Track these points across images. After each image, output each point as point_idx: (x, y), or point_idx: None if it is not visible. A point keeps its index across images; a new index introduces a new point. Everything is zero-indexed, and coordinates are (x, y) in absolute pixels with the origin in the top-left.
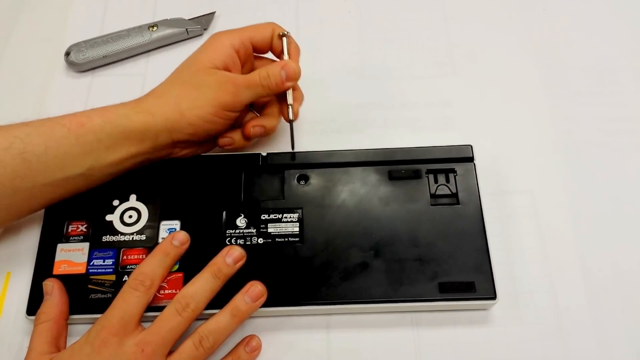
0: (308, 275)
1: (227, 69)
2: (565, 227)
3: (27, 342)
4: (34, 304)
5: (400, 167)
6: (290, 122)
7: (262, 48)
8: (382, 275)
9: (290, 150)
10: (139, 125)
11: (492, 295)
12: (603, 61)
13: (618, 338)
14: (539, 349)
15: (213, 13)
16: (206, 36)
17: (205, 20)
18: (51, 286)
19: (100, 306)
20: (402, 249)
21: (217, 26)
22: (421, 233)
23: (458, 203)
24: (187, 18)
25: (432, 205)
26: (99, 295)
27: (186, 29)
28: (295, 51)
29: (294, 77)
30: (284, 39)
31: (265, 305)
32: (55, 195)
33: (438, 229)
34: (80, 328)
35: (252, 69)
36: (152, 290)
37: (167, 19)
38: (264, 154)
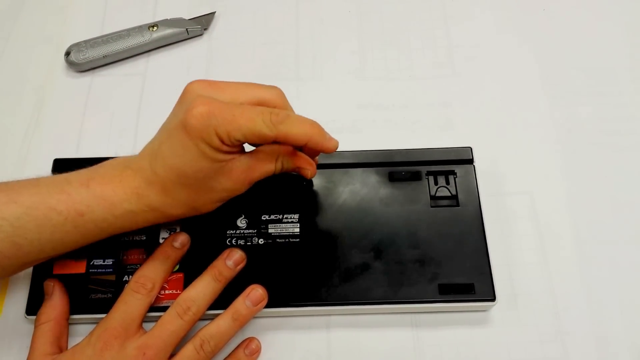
0: (308, 276)
1: (235, 152)
2: (565, 228)
3: (27, 342)
4: (34, 304)
5: (400, 168)
6: None
7: None
8: (382, 277)
9: None
10: (144, 220)
11: (492, 297)
12: (603, 61)
13: (617, 339)
14: (538, 350)
15: (213, 13)
16: (206, 36)
17: (205, 20)
18: (52, 286)
19: (101, 306)
20: (402, 250)
21: (217, 26)
22: (421, 234)
23: (458, 205)
24: (187, 18)
25: (432, 207)
26: (99, 295)
27: (186, 29)
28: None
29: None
30: None
31: (265, 305)
32: (48, 259)
33: (438, 231)
34: (80, 328)
35: None
36: (154, 292)
37: (167, 19)
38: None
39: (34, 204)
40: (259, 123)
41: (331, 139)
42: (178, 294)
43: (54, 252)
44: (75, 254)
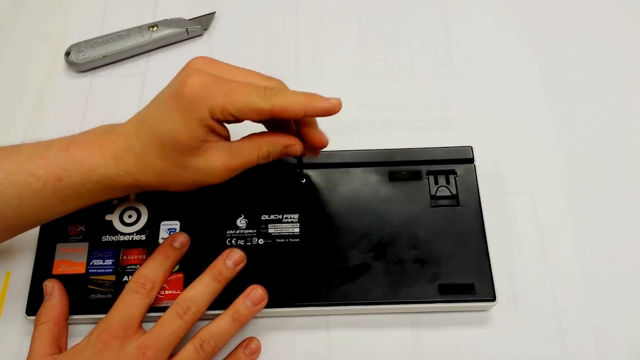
0: (308, 276)
1: (219, 136)
2: (565, 228)
3: (27, 342)
4: (34, 304)
5: (400, 168)
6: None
7: None
8: (382, 277)
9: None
10: (121, 186)
11: (492, 297)
12: (603, 61)
13: (617, 339)
14: (538, 350)
15: (213, 13)
16: (206, 36)
17: (205, 21)
18: (51, 287)
19: (100, 306)
20: (402, 250)
21: (217, 26)
22: (421, 234)
23: (458, 205)
24: (187, 18)
25: (432, 206)
26: (99, 296)
27: (186, 29)
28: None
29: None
30: None
31: (265, 305)
32: (34, 226)
33: (438, 231)
34: (80, 328)
35: None
36: (153, 293)
37: (167, 19)
38: None
39: (14, 170)
40: (254, 96)
41: (329, 99)
42: (178, 294)
43: (37, 218)
44: (75, 255)
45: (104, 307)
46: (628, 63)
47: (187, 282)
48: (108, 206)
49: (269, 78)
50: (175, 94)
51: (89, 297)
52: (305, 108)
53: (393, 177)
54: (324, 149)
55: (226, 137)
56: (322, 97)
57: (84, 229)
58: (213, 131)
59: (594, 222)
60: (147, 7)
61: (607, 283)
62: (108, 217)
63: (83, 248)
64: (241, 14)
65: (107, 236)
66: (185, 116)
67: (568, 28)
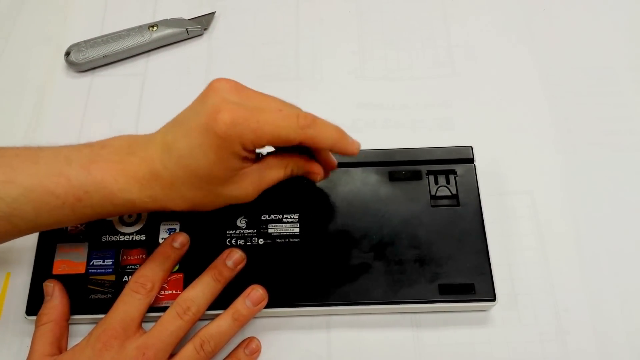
0: (308, 276)
1: (249, 161)
2: (565, 227)
3: (27, 342)
4: (34, 304)
5: (400, 167)
6: None
7: None
8: (382, 277)
9: None
10: (144, 210)
11: (492, 297)
12: (603, 61)
13: (618, 339)
14: (539, 350)
15: (213, 13)
16: (206, 36)
17: (205, 20)
18: (52, 287)
19: (101, 306)
20: (402, 250)
21: (217, 26)
22: (421, 234)
23: (458, 204)
24: (187, 18)
25: (432, 206)
26: (99, 296)
27: (186, 29)
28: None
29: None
30: None
31: (265, 305)
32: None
33: (438, 230)
34: (80, 328)
35: None
36: (153, 293)
37: (167, 19)
38: (264, 153)
39: (31, 186)
40: (285, 129)
41: (354, 142)
42: (178, 294)
43: (48, 228)
44: (74, 255)
45: (104, 307)
46: (628, 63)
47: (187, 282)
48: None
49: (291, 106)
50: (205, 129)
51: (89, 297)
52: (333, 145)
53: (393, 177)
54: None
55: (254, 159)
56: (348, 138)
57: (83, 229)
58: (245, 159)
59: (594, 222)
60: (147, 7)
61: (608, 283)
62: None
63: (83, 248)
64: (241, 14)
65: (107, 236)
66: (219, 152)
67: (568, 28)
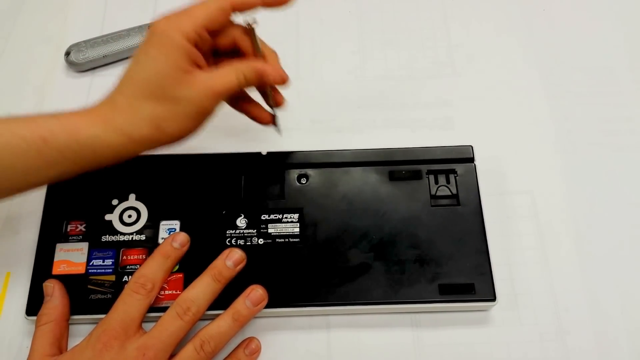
0: (308, 276)
1: (197, 67)
2: (565, 227)
3: (27, 342)
4: (34, 304)
5: (400, 167)
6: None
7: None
8: (382, 277)
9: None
10: (112, 148)
11: (492, 297)
12: (603, 61)
13: (617, 339)
14: (539, 350)
15: None
16: None
17: None
18: (52, 287)
19: (100, 307)
20: (403, 250)
21: None
22: (421, 234)
23: (458, 204)
24: None
25: (432, 206)
26: (99, 296)
27: None
28: (272, 55)
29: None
30: (253, 28)
31: (265, 306)
32: (20, 192)
33: (438, 230)
34: (80, 328)
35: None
36: (153, 293)
37: None
38: (264, 153)
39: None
40: (214, 2)
41: None
42: (178, 294)
43: (22, 182)
44: (74, 255)
45: (104, 307)
46: (628, 63)
47: (187, 282)
48: (108, 206)
49: None
50: (147, 38)
51: (89, 297)
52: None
53: (393, 177)
54: (323, 149)
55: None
56: None
57: (83, 229)
58: (193, 60)
59: (594, 222)
60: (147, 7)
61: (608, 282)
62: (108, 217)
63: (83, 248)
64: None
65: (107, 236)
66: (162, 49)
67: (568, 28)
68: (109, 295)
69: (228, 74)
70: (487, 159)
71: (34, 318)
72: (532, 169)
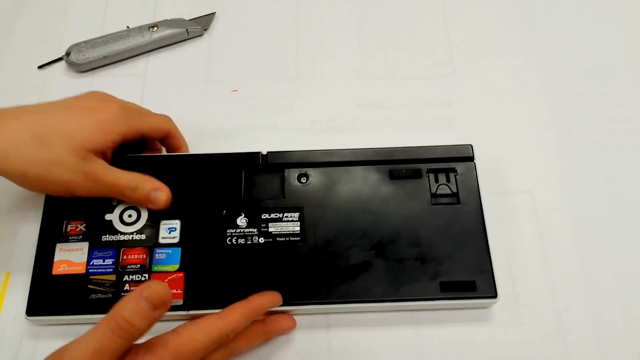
0: (309, 275)
1: (103, 155)
2: (565, 227)
3: (27, 342)
4: (34, 304)
5: (400, 166)
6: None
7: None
8: (383, 275)
9: (292, 149)
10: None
11: (493, 294)
12: (603, 61)
13: (618, 338)
14: (539, 349)
15: (213, 13)
16: (206, 37)
17: (205, 21)
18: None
19: (101, 306)
20: (403, 248)
21: (217, 26)
22: (422, 232)
23: (459, 202)
24: (187, 18)
25: (432, 204)
26: (100, 296)
27: (186, 30)
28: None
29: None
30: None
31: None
32: None
33: (439, 229)
34: (81, 329)
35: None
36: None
37: (167, 19)
38: (264, 152)
39: None
40: None
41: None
42: (178, 294)
43: None
44: (74, 255)
45: (105, 307)
46: (628, 63)
47: (187, 282)
48: (108, 205)
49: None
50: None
51: (89, 297)
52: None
53: (393, 176)
54: (323, 148)
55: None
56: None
57: (83, 229)
58: (112, 147)
59: (595, 221)
60: (147, 7)
61: (608, 282)
62: (108, 217)
63: (83, 248)
64: (241, 14)
65: (107, 236)
66: (104, 119)
67: (568, 28)
68: (110, 295)
69: (119, 178)
70: (487, 158)
71: (34, 318)
72: (532, 169)
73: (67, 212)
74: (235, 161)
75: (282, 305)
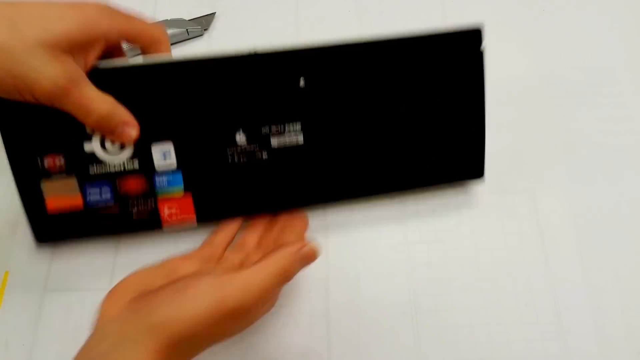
0: (312, 179)
1: (80, 63)
2: (565, 227)
3: (27, 340)
4: (40, 229)
5: (401, 55)
6: None
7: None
8: (378, 166)
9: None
10: None
11: (481, 174)
12: (603, 61)
13: (618, 338)
14: (539, 349)
15: (213, 14)
16: (206, 37)
17: (205, 21)
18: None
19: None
20: (400, 137)
21: (217, 26)
22: (417, 118)
23: (456, 86)
24: (187, 19)
25: (430, 88)
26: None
27: (186, 30)
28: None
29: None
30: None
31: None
32: None
33: (433, 111)
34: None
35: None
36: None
37: (167, 20)
38: (258, 51)
39: None
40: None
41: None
42: (190, 217)
43: None
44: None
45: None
46: (628, 63)
47: (195, 201)
48: (82, 133)
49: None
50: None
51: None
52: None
53: (393, 65)
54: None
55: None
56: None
57: (63, 163)
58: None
59: (595, 222)
60: (147, 7)
61: (608, 282)
62: (87, 147)
63: (72, 181)
64: (241, 14)
65: (95, 166)
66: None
67: (567, 28)
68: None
69: (89, 101)
70: (487, 158)
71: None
72: (532, 169)
73: (37, 145)
74: (226, 66)
75: (294, 207)
